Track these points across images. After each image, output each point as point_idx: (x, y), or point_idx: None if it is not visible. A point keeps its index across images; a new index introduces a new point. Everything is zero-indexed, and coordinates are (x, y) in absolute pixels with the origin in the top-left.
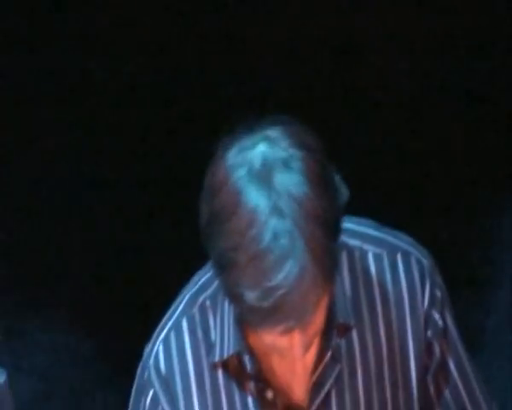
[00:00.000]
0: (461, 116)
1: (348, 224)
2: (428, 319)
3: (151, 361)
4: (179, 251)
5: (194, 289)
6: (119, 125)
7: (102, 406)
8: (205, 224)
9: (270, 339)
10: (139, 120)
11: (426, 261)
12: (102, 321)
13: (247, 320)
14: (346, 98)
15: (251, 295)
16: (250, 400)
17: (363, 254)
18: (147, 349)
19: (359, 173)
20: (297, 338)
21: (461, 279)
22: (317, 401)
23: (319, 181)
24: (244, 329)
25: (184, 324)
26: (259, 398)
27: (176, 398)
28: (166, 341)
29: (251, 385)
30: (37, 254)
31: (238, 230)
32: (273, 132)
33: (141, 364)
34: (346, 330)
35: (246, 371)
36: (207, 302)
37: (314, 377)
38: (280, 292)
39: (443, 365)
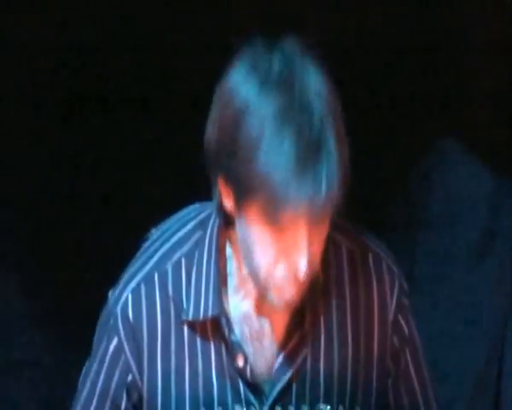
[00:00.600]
0: None
1: None
2: (395, 324)
3: (118, 308)
4: None
5: (169, 244)
6: None
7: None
8: (220, 135)
9: (277, 238)
10: None
11: (396, 269)
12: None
13: (270, 201)
14: None
15: (279, 170)
16: (213, 364)
17: (337, 246)
18: (113, 295)
19: None
20: (305, 237)
21: None
22: (280, 385)
23: (333, 87)
24: (224, 290)
25: (156, 278)
26: (226, 364)
27: (141, 350)
28: (136, 291)
29: (219, 348)
30: None
31: (262, 117)
32: (286, 43)
33: (106, 308)
34: (315, 318)
35: (220, 332)
36: (182, 260)
37: (280, 358)
38: (308, 162)
39: (405, 372)
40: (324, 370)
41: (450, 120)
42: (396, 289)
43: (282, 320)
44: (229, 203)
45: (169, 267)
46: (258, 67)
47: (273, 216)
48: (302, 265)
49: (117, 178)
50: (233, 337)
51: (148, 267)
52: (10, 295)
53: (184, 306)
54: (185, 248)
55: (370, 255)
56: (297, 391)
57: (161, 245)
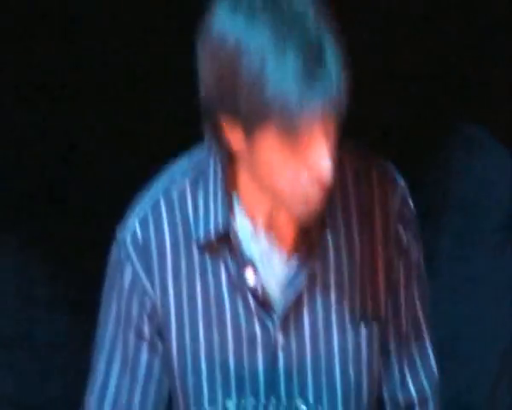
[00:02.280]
0: None
1: None
2: (395, 233)
3: (128, 236)
4: None
5: (173, 174)
6: None
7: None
8: (217, 77)
9: (296, 153)
10: None
11: (400, 183)
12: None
13: (283, 125)
14: None
15: (293, 85)
16: (224, 281)
17: (342, 163)
18: (122, 230)
19: None
20: (322, 140)
21: None
22: (290, 294)
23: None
24: (231, 208)
25: (162, 206)
26: (237, 279)
27: (151, 268)
28: (144, 220)
29: (230, 265)
30: None
31: (259, 46)
32: None
33: (115, 244)
34: (321, 225)
35: (230, 248)
36: (187, 186)
37: (289, 269)
38: (311, 72)
39: (396, 285)
40: (335, 281)
41: (474, 105)
42: (398, 199)
43: (289, 236)
44: (236, 141)
45: (175, 195)
46: (239, 3)
47: (291, 129)
48: (326, 167)
49: None
50: (242, 252)
51: (153, 196)
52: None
53: (192, 228)
54: (190, 176)
55: (375, 170)
56: (308, 303)
57: (168, 172)
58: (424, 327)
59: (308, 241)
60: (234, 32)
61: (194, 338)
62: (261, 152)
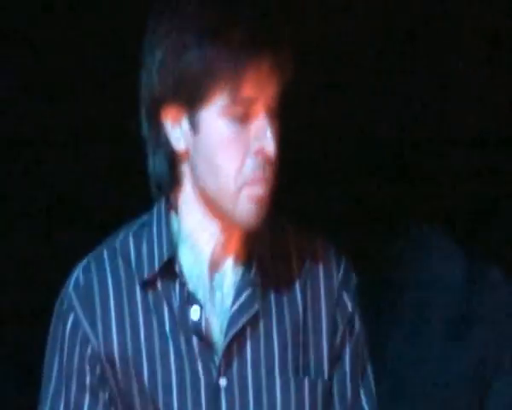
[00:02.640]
0: None
1: None
2: (339, 299)
3: (71, 286)
4: None
5: (118, 232)
6: None
7: None
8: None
9: (240, 133)
10: None
11: (344, 258)
12: None
13: (227, 95)
14: None
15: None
16: (167, 321)
17: (286, 230)
18: (66, 283)
19: None
20: (267, 124)
21: None
22: (231, 334)
23: None
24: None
25: (105, 254)
26: (180, 318)
27: (94, 314)
28: (86, 268)
29: (173, 302)
30: None
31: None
32: None
33: (58, 299)
34: (263, 274)
35: (173, 283)
36: (130, 236)
37: (231, 311)
38: (255, 32)
39: (340, 354)
40: (277, 332)
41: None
42: (342, 268)
43: (232, 277)
44: (181, 136)
45: (117, 244)
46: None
47: (236, 89)
48: (270, 147)
49: None
50: (187, 287)
51: (96, 250)
52: None
53: (134, 269)
54: (132, 229)
55: (319, 241)
56: (251, 349)
57: (109, 237)
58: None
59: (251, 286)
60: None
61: (139, 381)
62: (206, 132)
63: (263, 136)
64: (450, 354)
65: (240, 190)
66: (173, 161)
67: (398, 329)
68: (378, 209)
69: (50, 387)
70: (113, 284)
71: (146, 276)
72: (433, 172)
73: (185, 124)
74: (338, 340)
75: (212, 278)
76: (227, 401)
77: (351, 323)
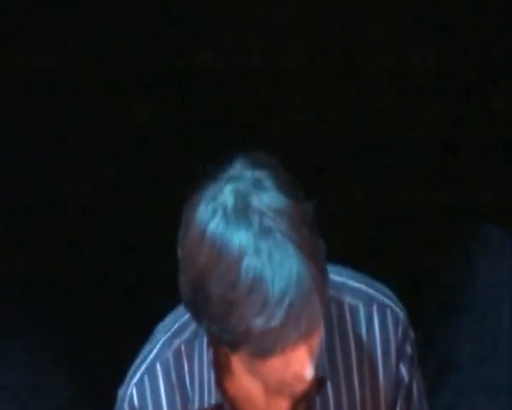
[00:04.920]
0: None
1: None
2: (397, 372)
3: (125, 405)
4: None
5: (169, 333)
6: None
7: None
8: (192, 290)
9: (276, 367)
10: None
11: (401, 314)
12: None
13: (258, 353)
14: None
15: (259, 321)
16: None
17: (339, 305)
18: (120, 393)
19: None
20: (303, 351)
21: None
22: None
23: (292, 191)
24: (226, 377)
25: (158, 367)
26: None
27: None
28: (140, 384)
29: None
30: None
31: (229, 268)
32: (235, 170)
33: (116, 404)
34: (320, 384)
35: None
36: (182, 347)
37: None
38: (286, 301)
39: None
40: None
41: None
42: (399, 335)
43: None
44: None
45: (170, 355)
46: (216, 207)
47: (264, 355)
48: (308, 374)
49: None
50: None
51: (149, 358)
52: None
53: (190, 394)
54: (185, 336)
55: (375, 306)
56: None
57: (163, 335)
58: None
59: (307, 401)
60: (210, 241)
61: None
62: (242, 362)
63: (301, 365)
64: None
65: (281, 389)
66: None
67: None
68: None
69: None
70: (167, 405)
71: (196, 408)
72: None
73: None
74: None
75: (265, 398)
76: None
77: (408, 394)
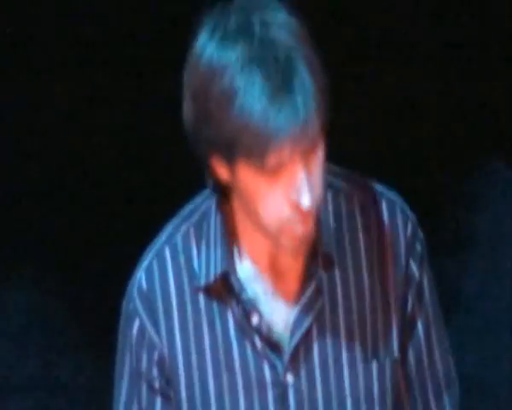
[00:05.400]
0: None
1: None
2: (407, 269)
3: (135, 289)
4: None
5: (178, 219)
6: None
7: (74, 368)
8: (192, 103)
9: (275, 194)
10: None
11: (410, 213)
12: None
13: (256, 158)
14: None
15: (256, 112)
16: (231, 325)
17: (348, 196)
18: (130, 282)
19: None
20: (301, 173)
21: None
22: (298, 334)
23: (301, 26)
24: (231, 246)
25: (167, 252)
26: (243, 323)
27: (157, 319)
28: (149, 268)
29: (235, 309)
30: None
31: (229, 67)
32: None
33: (125, 298)
34: (329, 264)
35: (232, 292)
36: (191, 230)
37: (296, 310)
38: (284, 95)
39: (412, 323)
40: (344, 320)
41: (501, 140)
42: (408, 232)
43: (295, 276)
44: (224, 173)
45: (178, 239)
46: (217, 26)
47: (261, 160)
48: (305, 201)
49: None
50: (245, 295)
51: (159, 243)
52: None
53: (197, 274)
54: (193, 219)
55: (384, 201)
56: (317, 343)
57: (171, 223)
58: (447, 364)
59: (315, 280)
60: (206, 57)
61: (204, 386)
62: (242, 183)
63: (298, 190)
64: None
65: (281, 232)
66: (223, 185)
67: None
68: None
69: (123, 385)
70: (176, 289)
71: (203, 284)
72: None
73: (224, 163)
74: (408, 313)
75: (274, 280)
76: (295, 398)
77: (419, 292)
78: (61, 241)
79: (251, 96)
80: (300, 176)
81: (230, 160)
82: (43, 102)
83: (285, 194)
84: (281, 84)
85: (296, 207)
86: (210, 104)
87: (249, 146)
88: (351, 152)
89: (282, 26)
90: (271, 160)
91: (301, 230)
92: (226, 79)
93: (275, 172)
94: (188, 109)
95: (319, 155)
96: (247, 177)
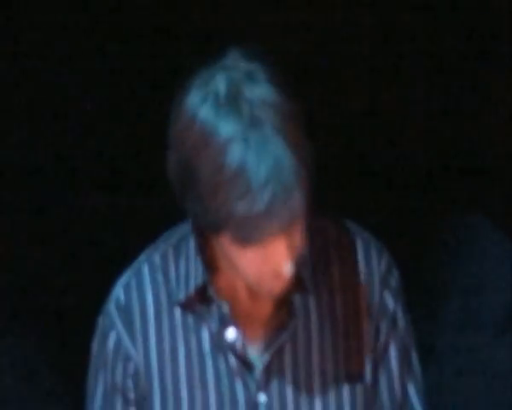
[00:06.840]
0: None
1: None
2: (381, 300)
3: (112, 304)
4: None
5: (156, 242)
6: None
7: None
8: (180, 169)
9: (255, 259)
10: None
11: (384, 251)
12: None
13: (239, 239)
14: None
15: (240, 206)
16: (207, 341)
17: (324, 231)
18: (108, 299)
19: None
20: (283, 245)
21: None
22: (270, 352)
23: (284, 87)
24: (213, 276)
25: (145, 269)
26: (218, 338)
27: (134, 331)
28: (127, 284)
29: (211, 324)
30: None
31: (218, 152)
32: (228, 60)
33: (101, 315)
34: (303, 288)
35: (211, 305)
36: (170, 250)
37: (270, 329)
38: (268, 189)
39: (384, 352)
40: (318, 344)
41: (479, 194)
42: (383, 267)
43: (270, 299)
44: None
45: (157, 258)
46: (209, 92)
47: (245, 238)
48: (286, 269)
49: None
50: (223, 310)
51: (137, 263)
52: None
53: (175, 289)
54: (172, 241)
55: (358, 239)
56: (290, 364)
57: (150, 247)
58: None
59: (289, 305)
60: (200, 121)
61: (177, 401)
62: (223, 246)
63: (279, 261)
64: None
65: (258, 285)
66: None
67: (448, 323)
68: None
69: (95, 403)
70: (153, 303)
71: (183, 298)
72: None
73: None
74: (381, 341)
75: (249, 295)
76: None
77: (393, 322)
78: None
79: (241, 190)
80: (281, 248)
81: (214, 231)
82: None
83: (266, 262)
84: (274, 177)
85: (276, 272)
86: (196, 180)
87: (235, 229)
88: None
89: (266, 101)
90: (255, 236)
91: (279, 286)
92: (227, 154)
93: (257, 244)
94: (174, 167)
95: (302, 223)
96: (229, 244)
